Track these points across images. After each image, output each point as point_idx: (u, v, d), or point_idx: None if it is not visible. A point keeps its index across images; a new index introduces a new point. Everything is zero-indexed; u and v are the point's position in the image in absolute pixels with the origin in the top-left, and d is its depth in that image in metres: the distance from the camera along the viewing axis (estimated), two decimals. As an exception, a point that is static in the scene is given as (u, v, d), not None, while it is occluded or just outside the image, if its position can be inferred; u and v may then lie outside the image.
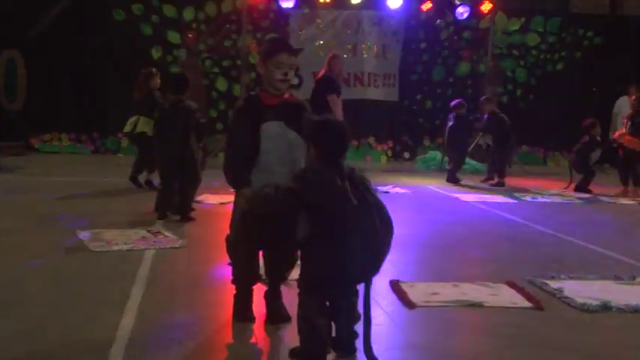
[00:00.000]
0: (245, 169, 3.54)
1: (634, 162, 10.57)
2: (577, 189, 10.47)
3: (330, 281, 3.05)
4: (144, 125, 8.59)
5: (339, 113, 9.42)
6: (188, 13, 13.67)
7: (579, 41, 15.39)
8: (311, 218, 3.02)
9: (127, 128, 8.89)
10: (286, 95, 3.69)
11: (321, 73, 9.87)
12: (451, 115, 11.31)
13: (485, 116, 11.41)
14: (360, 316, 3.15)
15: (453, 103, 11.40)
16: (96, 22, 13.38)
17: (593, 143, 10.83)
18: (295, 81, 13.95)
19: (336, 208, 2.98)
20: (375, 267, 3.05)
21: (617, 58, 15.10)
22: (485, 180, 11.33)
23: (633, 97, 11.07)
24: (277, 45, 3.71)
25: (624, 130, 10.72)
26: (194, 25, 13.81)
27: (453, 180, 10.99)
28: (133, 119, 8.81)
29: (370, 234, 2.99)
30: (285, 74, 3.61)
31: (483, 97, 11.93)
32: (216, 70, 13.99)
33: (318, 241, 3.01)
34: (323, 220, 3.00)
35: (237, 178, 3.55)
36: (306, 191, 3.00)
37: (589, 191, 10.34)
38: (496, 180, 11.07)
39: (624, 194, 10.29)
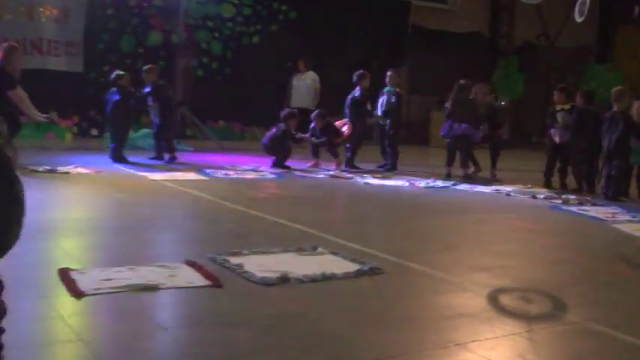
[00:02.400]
0: None
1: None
2: (274, 165, 10.95)
3: None
4: None
5: (27, 105, 8.96)
6: None
7: (275, 15, 16.06)
8: None
9: None
10: None
11: None
12: (113, 89, 10.95)
13: (147, 87, 11.19)
14: (6, 310, 2.94)
15: (112, 75, 11.09)
16: None
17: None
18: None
19: None
20: None
21: (311, 33, 16.04)
22: (154, 158, 11.20)
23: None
24: None
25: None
26: None
27: (118, 158, 10.69)
28: None
29: None
30: None
31: (146, 66, 11.60)
32: None
33: None
34: None
35: None
36: None
37: (285, 167, 10.85)
38: (169, 156, 11.05)
39: (316, 166, 11.09)
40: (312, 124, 11.56)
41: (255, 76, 15.23)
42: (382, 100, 11.50)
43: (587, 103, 9.65)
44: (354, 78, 11.44)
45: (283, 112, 11.34)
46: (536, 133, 20.24)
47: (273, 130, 11.18)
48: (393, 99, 11.39)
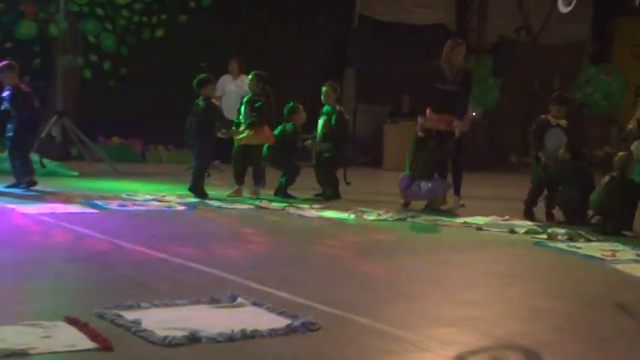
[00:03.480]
0: None
1: (254, 157, 11.40)
2: (191, 189, 10.90)
3: None
4: None
5: None
6: None
7: (184, 1, 16.10)
8: None
9: None
10: None
11: None
12: None
13: (7, 91, 11.05)
14: None
15: None
16: None
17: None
18: None
19: None
20: None
21: (231, 25, 16.13)
22: (14, 185, 11.07)
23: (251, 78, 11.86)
24: None
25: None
26: None
27: None
28: None
29: None
30: None
31: (1, 63, 11.33)
32: None
33: None
34: None
35: None
36: None
37: (203, 194, 10.81)
38: (26, 181, 10.96)
39: (237, 193, 11.10)
40: None
41: (161, 79, 15.22)
42: (321, 123, 11.67)
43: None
44: (285, 112, 11.67)
45: (196, 80, 11.20)
46: (515, 152, 20.64)
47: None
48: (333, 120, 11.55)
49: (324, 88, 11.75)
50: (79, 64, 15.13)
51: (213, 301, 5.08)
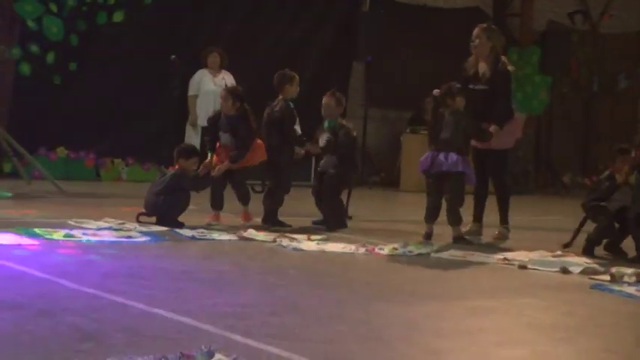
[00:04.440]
0: None
1: (238, 179, 11.42)
2: (161, 222, 10.91)
3: None
4: None
5: None
6: None
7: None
8: None
9: None
10: None
11: None
12: None
13: None
14: None
15: None
16: None
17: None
18: None
19: None
20: None
21: (210, 9, 16.19)
22: None
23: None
24: None
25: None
26: None
27: None
28: None
29: None
30: None
31: None
32: None
33: None
34: None
35: None
36: None
37: (177, 223, 10.82)
38: None
39: (215, 220, 11.21)
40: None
41: (119, 76, 15.24)
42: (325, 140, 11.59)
43: None
44: (275, 81, 11.47)
45: (179, 149, 11.18)
46: (568, 170, 20.65)
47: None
48: (342, 137, 11.47)
49: (324, 99, 11.63)
50: (14, 55, 15.11)
51: (184, 358, 5.06)
